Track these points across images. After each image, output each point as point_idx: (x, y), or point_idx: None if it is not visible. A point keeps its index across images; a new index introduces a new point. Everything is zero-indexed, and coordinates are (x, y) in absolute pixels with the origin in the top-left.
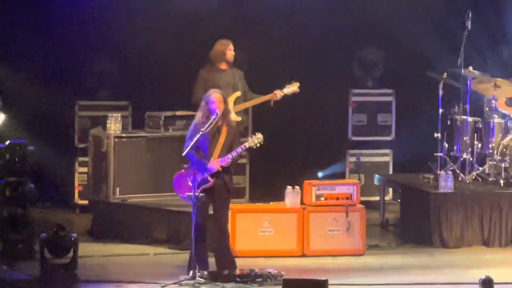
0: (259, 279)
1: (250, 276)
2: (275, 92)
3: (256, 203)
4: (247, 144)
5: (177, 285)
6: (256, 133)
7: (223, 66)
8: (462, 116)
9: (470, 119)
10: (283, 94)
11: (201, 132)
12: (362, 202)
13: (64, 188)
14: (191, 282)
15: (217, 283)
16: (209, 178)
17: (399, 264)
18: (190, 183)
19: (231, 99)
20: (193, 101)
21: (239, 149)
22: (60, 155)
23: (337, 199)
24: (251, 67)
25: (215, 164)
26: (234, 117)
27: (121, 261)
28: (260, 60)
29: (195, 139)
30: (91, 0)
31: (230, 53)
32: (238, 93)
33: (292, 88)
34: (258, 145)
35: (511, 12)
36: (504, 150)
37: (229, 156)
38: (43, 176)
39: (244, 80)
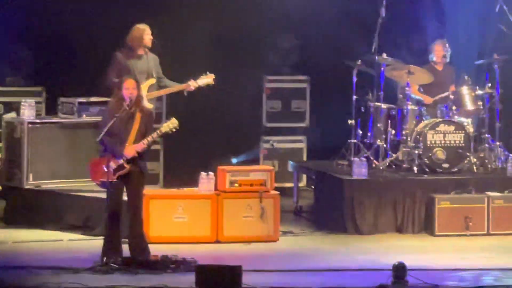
0: (173, 266)
1: (163, 263)
2: (189, 82)
3: (170, 190)
4: (162, 129)
5: (90, 272)
6: (171, 118)
7: (141, 51)
8: (376, 103)
9: (384, 106)
10: (197, 85)
11: (114, 118)
12: (276, 189)
13: None
14: (105, 268)
15: (131, 269)
16: (125, 164)
17: (313, 250)
18: (105, 169)
19: (144, 86)
20: (105, 83)
21: (154, 134)
22: None
23: (251, 185)
24: (166, 53)
25: (130, 150)
26: (147, 104)
27: (35, 247)
28: (175, 46)
29: (108, 125)
30: None
31: (148, 37)
32: (152, 80)
33: (207, 80)
34: (174, 130)
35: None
36: (418, 137)
37: (144, 141)
38: None
39: (159, 65)
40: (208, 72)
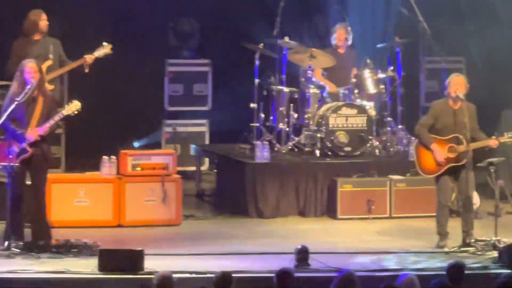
0: (75, 250)
1: (65, 247)
2: (85, 56)
3: (71, 174)
4: (64, 112)
5: None
6: (73, 101)
7: (37, 36)
8: (278, 87)
9: (286, 89)
10: (94, 58)
11: (16, 102)
12: (178, 172)
13: None
14: (6, 252)
15: (32, 253)
16: (27, 148)
17: (215, 234)
18: (6, 153)
19: (42, 68)
20: (7, 74)
21: (56, 117)
22: None
23: (153, 169)
24: (67, 36)
25: (32, 133)
26: (47, 86)
27: None
28: (75, 30)
29: (9, 109)
30: None
31: (43, 23)
32: (49, 62)
33: (104, 50)
34: (76, 112)
35: None
36: (320, 120)
37: (47, 124)
38: None
39: (61, 48)
40: (104, 43)
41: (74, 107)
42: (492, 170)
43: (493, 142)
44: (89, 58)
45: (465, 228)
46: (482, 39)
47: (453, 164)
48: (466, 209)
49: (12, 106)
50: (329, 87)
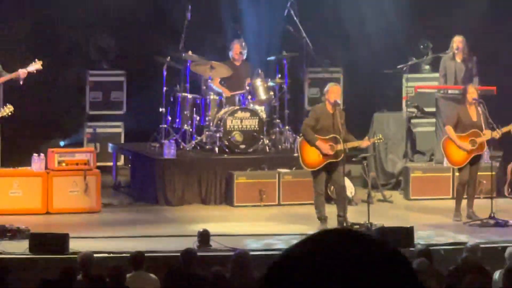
0: (9, 234)
1: (1, 231)
2: (19, 71)
3: (6, 168)
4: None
5: None
6: (7, 104)
7: None
8: (183, 93)
9: (189, 96)
10: (27, 72)
11: None
12: (98, 167)
13: None
14: None
15: None
16: None
17: (130, 220)
18: None
19: None
20: None
21: None
22: None
23: (77, 164)
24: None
25: None
26: None
27: None
28: (7, 46)
29: None
30: None
31: None
32: None
33: (36, 66)
34: (10, 114)
35: (225, 5)
36: (219, 122)
37: None
38: None
39: None
40: (36, 60)
41: (8, 109)
42: (365, 163)
43: (365, 143)
44: (22, 72)
45: (341, 213)
46: (355, 51)
47: (331, 160)
48: (340, 196)
49: None
50: (224, 92)
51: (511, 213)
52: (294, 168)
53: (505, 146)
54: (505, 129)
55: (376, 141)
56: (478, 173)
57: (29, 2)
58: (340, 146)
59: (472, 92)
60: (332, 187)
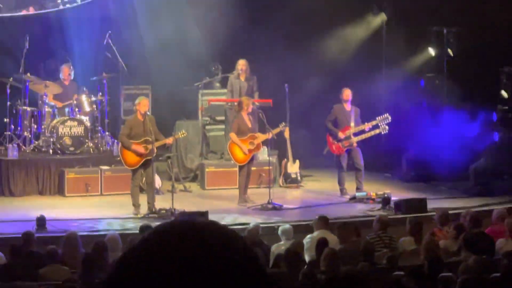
0: None
1: None
2: None
3: None
4: None
5: None
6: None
7: None
8: (23, 107)
9: (28, 108)
10: None
11: None
12: None
13: None
14: None
15: None
16: None
17: None
18: None
19: None
20: None
21: None
22: None
23: None
24: None
25: None
26: None
27: None
28: None
29: None
30: None
31: None
32: None
33: None
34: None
35: (56, 35)
36: (52, 129)
37: None
38: None
39: None
40: None
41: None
42: (169, 161)
43: (171, 139)
44: None
45: (150, 200)
46: (160, 71)
47: (146, 158)
48: (150, 187)
49: None
50: (57, 104)
51: (285, 199)
52: (113, 165)
53: (280, 146)
54: (275, 131)
55: (180, 136)
56: (257, 168)
57: None
58: (151, 146)
59: (245, 103)
60: (144, 179)
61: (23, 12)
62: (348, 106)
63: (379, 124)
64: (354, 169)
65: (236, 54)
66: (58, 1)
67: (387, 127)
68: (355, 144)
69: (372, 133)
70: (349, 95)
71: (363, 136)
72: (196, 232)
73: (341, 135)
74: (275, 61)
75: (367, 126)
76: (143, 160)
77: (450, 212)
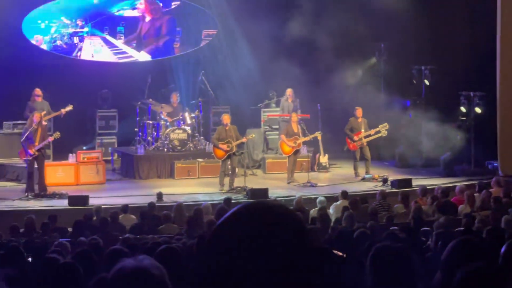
0: (57, 195)
1: (52, 195)
2: (61, 110)
3: (55, 161)
4: (51, 138)
5: (20, 199)
6: (57, 131)
7: (39, 99)
8: (147, 121)
9: (150, 122)
10: (64, 112)
11: (29, 130)
12: (103, 160)
13: None
14: (26, 198)
15: (38, 198)
16: (35, 152)
17: (120, 187)
18: (30, 151)
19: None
20: (24, 116)
21: (47, 140)
22: None
23: (92, 158)
24: None
25: (36, 146)
26: (44, 123)
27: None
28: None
29: (27, 133)
30: None
31: (37, 91)
32: (44, 112)
33: (68, 108)
34: (57, 137)
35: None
36: (166, 135)
37: (43, 142)
38: None
39: (48, 105)
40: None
41: (56, 135)
42: (243, 155)
43: (244, 139)
44: (63, 110)
45: (231, 181)
46: (236, 95)
47: (229, 153)
48: (232, 173)
49: (28, 132)
50: (168, 120)
51: (318, 179)
52: (205, 158)
53: (314, 145)
54: (311, 136)
55: (250, 137)
56: (300, 159)
57: None
58: (232, 145)
59: (294, 117)
60: (230, 167)
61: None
62: (359, 119)
63: (380, 130)
64: (364, 159)
65: (285, 84)
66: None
67: (386, 132)
68: (365, 143)
69: (376, 136)
70: (360, 111)
71: (370, 138)
72: (268, 208)
73: (355, 137)
74: (311, 88)
75: (372, 131)
76: (227, 154)
77: (428, 187)
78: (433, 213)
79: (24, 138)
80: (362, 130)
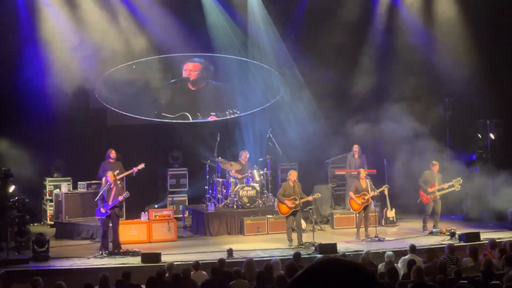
0: (130, 253)
1: (126, 252)
2: (134, 168)
3: (128, 220)
4: (121, 198)
5: (95, 257)
6: (126, 191)
7: (112, 160)
8: (217, 178)
9: (220, 179)
10: (137, 169)
11: (104, 189)
12: (174, 218)
13: None
14: (100, 255)
15: (112, 256)
16: (109, 210)
17: (191, 244)
18: (102, 210)
19: (115, 174)
20: (98, 176)
21: (120, 198)
22: None
23: (164, 216)
24: None
25: (110, 205)
26: (118, 182)
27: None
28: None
29: (101, 192)
30: None
31: (113, 154)
32: (117, 171)
33: (140, 166)
34: (127, 197)
35: (237, 133)
36: (235, 192)
37: (116, 201)
38: None
39: (121, 165)
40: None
41: (125, 194)
42: (311, 211)
43: (310, 198)
44: (135, 169)
45: (299, 237)
46: (304, 153)
47: (294, 209)
48: (299, 228)
49: (101, 192)
50: (238, 177)
51: (387, 234)
52: (274, 214)
53: (382, 200)
54: (379, 190)
55: (316, 196)
56: (369, 214)
57: None
58: (297, 202)
59: (362, 173)
60: (295, 223)
61: (210, 118)
62: (434, 172)
63: (454, 184)
64: (434, 213)
65: (352, 141)
66: (226, 112)
67: (459, 186)
68: (438, 197)
69: (450, 189)
70: (437, 167)
71: (443, 192)
72: (341, 265)
73: (429, 190)
74: (374, 146)
75: (446, 185)
76: (292, 211)
77: (497, 240)
78: (502, 267)
79: (98, 197)
80: (436, 183)
